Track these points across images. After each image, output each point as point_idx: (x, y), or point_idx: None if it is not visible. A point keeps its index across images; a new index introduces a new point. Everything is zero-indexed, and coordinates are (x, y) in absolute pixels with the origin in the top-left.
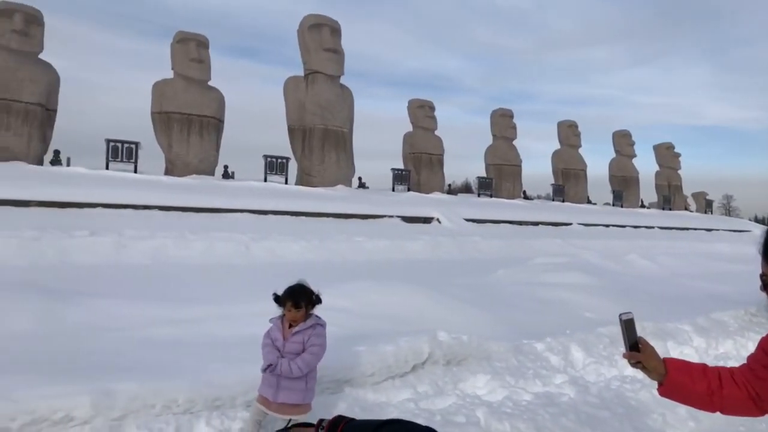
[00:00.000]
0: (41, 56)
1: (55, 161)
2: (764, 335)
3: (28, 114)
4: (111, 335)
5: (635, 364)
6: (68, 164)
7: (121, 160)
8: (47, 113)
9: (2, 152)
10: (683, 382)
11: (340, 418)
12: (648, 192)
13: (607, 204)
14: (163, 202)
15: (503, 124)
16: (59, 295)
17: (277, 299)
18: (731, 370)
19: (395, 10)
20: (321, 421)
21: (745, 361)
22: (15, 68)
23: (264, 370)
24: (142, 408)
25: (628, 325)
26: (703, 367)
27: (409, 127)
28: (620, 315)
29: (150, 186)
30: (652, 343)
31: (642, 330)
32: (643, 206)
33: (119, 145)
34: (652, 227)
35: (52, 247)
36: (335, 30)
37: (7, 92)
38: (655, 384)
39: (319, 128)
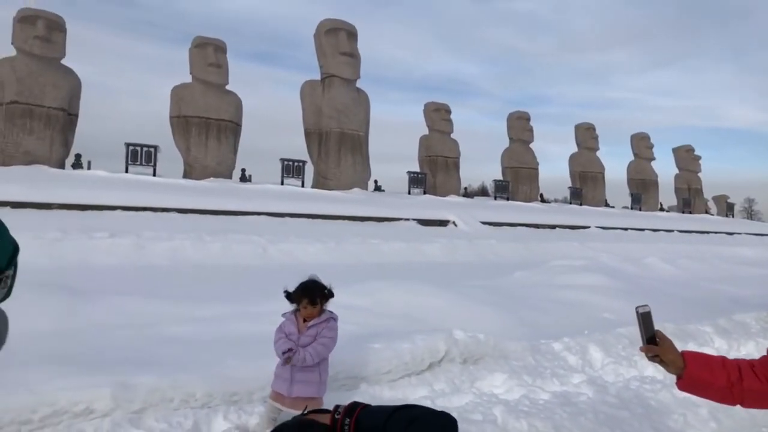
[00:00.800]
0: (63, 62)
1: (77, 165)
2: None
3: (51, 118)
4: (130, 332)
5: (652, 357)
6: (89, 168)
7: (141, 164)
8: (69, 118)
9: (25, 156)
10: (702, 376)
11: (356, 404)
12: (667, 195)
13: (626, 207)
14: (181, 204)
15: (520, 126)
16: (80, 293)
17: (289, 296)
18: (751, 362)
19: (412, 14)
20: (337, 407)
21: (766, 354)
22: (38, 73)
23: (284, 353)
24: (160, 401)
25: (645, 318)
26: (722, 360)
27: (426, 131)
28: (637, 308)
29: (168, 189)
30: (674, 344)
31: (663, 331)
32: (662, 209)
33: (138, 148)
34: (672, 230)
35: (74, 249)
36: (351, 34)
37: (30, 97)
38: (676, 384)
39: (336, 132)
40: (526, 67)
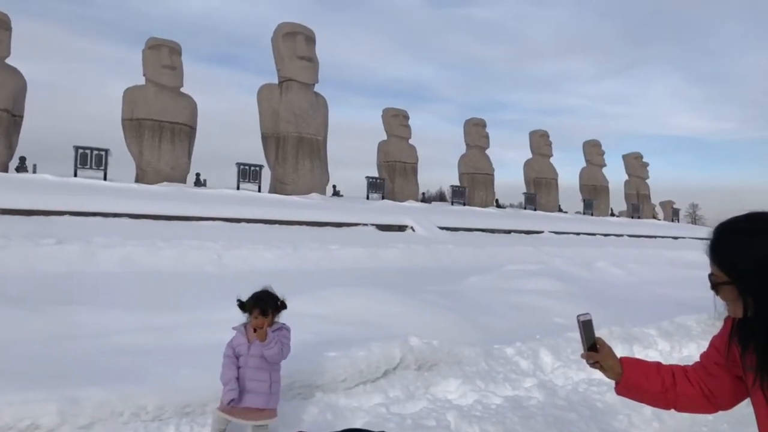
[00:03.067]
0: (8, 61)
1: (21, 168)
2: (716, 334)
3: None
4: (79, 344)
5: (593, 364)
6: (35, 171)
7: (91, 168)
8: (13, 119)
9: None
10: (638, 381)
11: None
12: (617, 201)
13: (578, 212)
14: (133, 209)
15: (476, 133)
16: (24, 303)
17: (242, 306)
18: (685, 368)
19: (372, 19)
20: None
21: (699, 360)
22: None
23: (228, 403)
24: (109, 416)
25: (586, 326)
26: (657, 366)
27: (384, 136)
28: (578, 316)
29: (120, 193)
30: (619, 346)
31: (609, 334)
32: (612, 215)
33: (88, 152)
34: (621, 235)
35: (17, 256)
36: (309, 38)
37: None
38: (615, 389)
39: (293, 136)
40: (484, 74)
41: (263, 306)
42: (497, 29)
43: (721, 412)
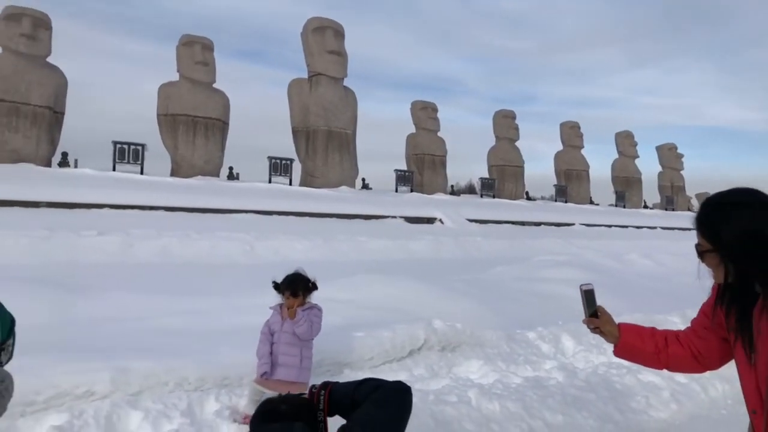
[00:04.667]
0: (49, 59)
1: (63, 163)
2: (705, 301)
3: (37, 117)
4: (124, 324)
5: (594, 329)
6: (76, 166)
7: (128, 162)
8: (55, 116)
9: (11, 154)
10: (634, 343)
11: (327, 383)
12: (651, 193)
13: (611, 205)
14: (168, 202)
15: (505, 125)
16: (71, 289)
17: (276, 287)
18: (677, 332)
19: (399, 13)
20: (312, 386)
21: (690, 325)
22: (23, 71)
23: (261, 375)
24: (156, 385)
25: (588, 295)
26: (651, 330)
27: (413, 129)
28: (581, 286)
29: (156, 187)
30: None
31: (632, 320)
32: (646, 207)
33: (126, 147)
34: (655, 227)
35: (62, 247)
36: (339, 33)
37: (16, 95)
38: (641, 370)
39: (323, 130)
40: (513, 65)
41: (294, 287)
42: (525, 20)
43: (740, 397)
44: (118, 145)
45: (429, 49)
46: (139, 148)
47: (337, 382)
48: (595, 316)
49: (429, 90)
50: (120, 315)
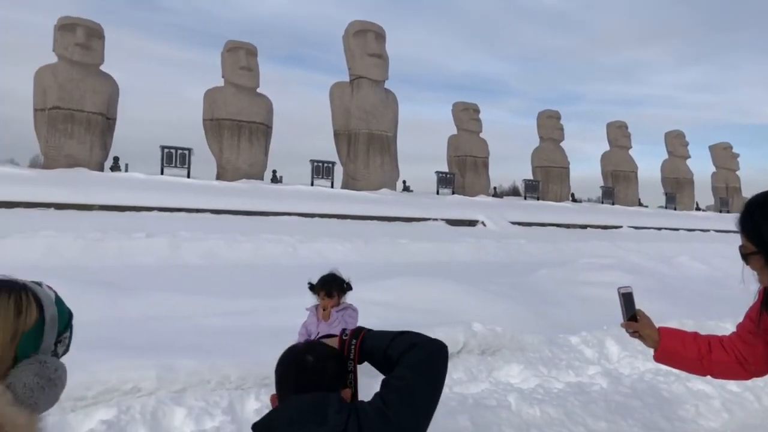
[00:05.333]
0: (102, 68)
1: (115, 167)
2: (751, 305)
3: (90, 123)
4: (170, 323)
5: (633, 333)
6: (126, 170)
7: (175, 166)
8: (107, 122)
9: (67, 159)
10: (675, 348)
11: (361, 328)
12: (704, 194)
13: (660, 207)
14: (214, 205)
15: (550, 125)
16: (121, 289)
17: (312, 287)
18: (721, 338)
19: (441, 14)
20: (344, 330)
21: (736, 331)
22: (78, 80)
23: None
24: (199, 383)
25: (626, 298)
26: (694, 335)
27: (454, 130)
28: (619, 288)
29: (202, 190)
30: None
31: (680, 326)
32: (698, 209)
33: (173, 151)
34: (708, 230)
35: (113, 248)
36: (380, 35)
37: (71, 102)
38: (690, 377)
39: (364, 133)
40: (557, 65)
41: (328, 287)
42: (568, 18)
43: None
44: (166, 150)
45: (471, 49)
46: (186, 152)
47: (370, 330)
48: (634, 319)
49: (471, 91)
50: (166, 314)
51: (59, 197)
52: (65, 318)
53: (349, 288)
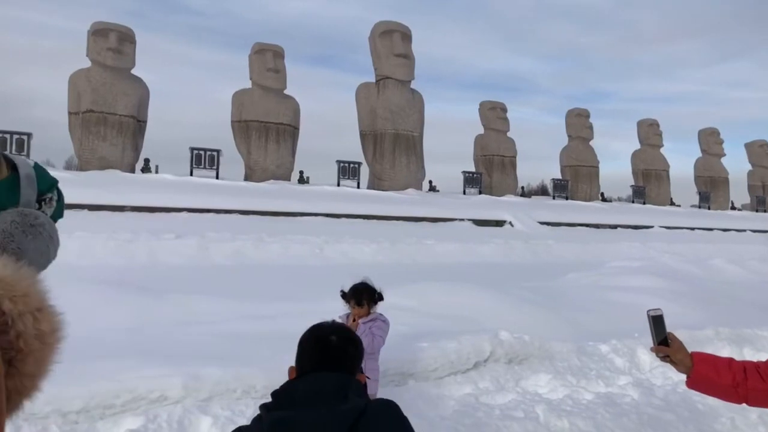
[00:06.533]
0: (133, 71)
1: (146, 169)
2: None
3: (122, 125)
4: (196, 328)
5: (663, 357)
6: (157, 171)
7: (204, 167)
8: (139, 124)
9: (100, 161)
10: (708, 375)
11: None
12: (739, 193)
13: (694, 206)
14: (242, 206)
15: (579, 124)
16: (151, 292)
17: (344, 296)
18: (757, 364)
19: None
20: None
21: None
22: (111, 83)
23: None
24: (225, 392)
25: (656, 321)
26: (729, 361)
27: (481, 129)
28: (648, 311)
29: (230, 191)
30: (726, 348)
31: (715, 335)
32: (733, 208)
33: (202, 152)
34: (744, 230)
35: (144, 249)
36: (406, 35)
37: (104, 106)
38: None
39: (390, 133)
40: (586, 63)
41: (359, 297)
42: (598, 15)
43: None
44: (195, 151)
45: (499, 47)
46: (215, 153)
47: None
48: (665, 343)
49: (499, 89)
50: (193, 319)
51: (93, 198)
52: (48, 181)
53: (381, 298)
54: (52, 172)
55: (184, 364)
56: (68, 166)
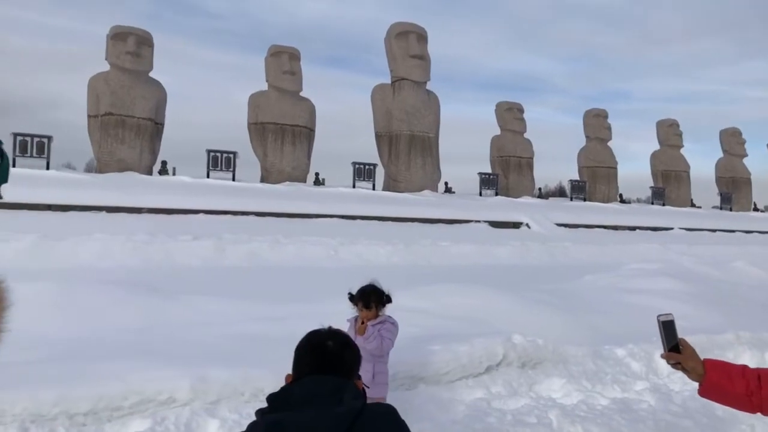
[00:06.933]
0: (151, 74)
1: (163, 171)
2: None
3: (140, 128)
4: (208, 329)
5: (674, 364)
6: (174, 173)
7: (221, 169)
8: (156, 127)
9: (118, 164)
10: (721, 383)
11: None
12: (763, 194)
13: (714, 207)
14: (258, 208)
15: (597, 124)
16: (165, 293)
17: (352, 298)
18: None
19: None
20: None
21: None
22: (129, 86)
23: None
24: (233, 394)
25: (666, 327)
26: (742, 369)
27: (498, 131)
28: (658, 316)
29: (247, 193)
30: (747, 353)
31: (736, 339)
32: (756, 209)
33: (219, 155)
34: (767, 232)
35: (160, 250)
36: (421, 36)
37: (123, 108)
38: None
39: (406, 134)
40: (604, 62)
41: (366, 299)
42: (617, 14)
43: None
44: (212, 153)
45: (515, 47)
46: (231, 155)
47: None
48: (676, 350)
49: (515, 90)
50: (206, 320)
51: (111, 201)
52: None
53: (389, 300)
54: (72, 175)
55: (192, 365)
56: (89, 169)
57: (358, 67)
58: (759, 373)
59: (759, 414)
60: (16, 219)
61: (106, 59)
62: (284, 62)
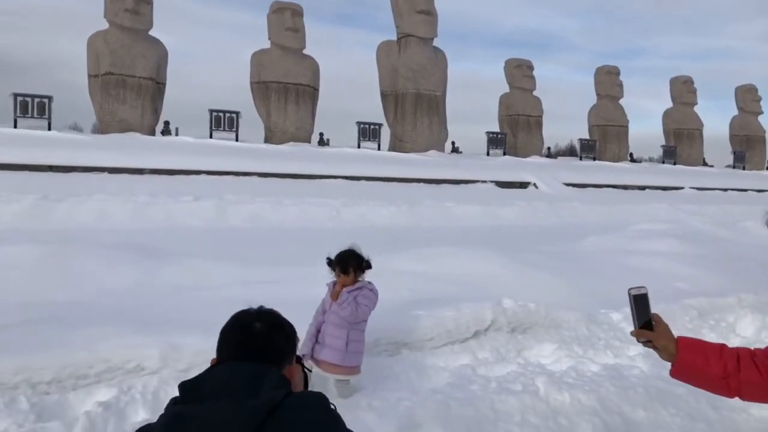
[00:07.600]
0: (150, 33)
1: (165, 131)
2: None
3: (141, 88)
4: (195, 294)
5: (645, 342)
6: (176, 134)
7: (224, 129)
8: (158, 86)
9: (120, 124)
10: (695, 363)
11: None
12: None
13: (727, 166)
14: (261, 168)
15: (608, 82)
16: (159, 255)
17: (330, 263)
18: (753, 352)
19: None
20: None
21: None
22: (129, 45)
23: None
24: (204, 362)
25: (638, 301)
26: (720, 348)
27: (507, 88)
28: (629, 290)
29: (250, 153)
30: (749, 316)
31: (738, 302)
32: None
33: (221, 114)
34: None
35: (161, 211)
36: None
37: (123, 68)
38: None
39: (412, 93)
40: (618, 18)
41: (344, 264)
42: None
43: None
44: (214, 113)
45: (527, 2)
46: (234, 115)
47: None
48: (648, 326)
49: (526, 47)
50: (196, 283)
51: (113, 161)
52: None
53: (369, 266)
54: (76, 136)
55: (165, 332)
56: (95, 130)
57: (364, 24)
58: (738, 353)
59: (737, 398)
60: (16, 179)
61: (104, 17)
62: (287, 19)
